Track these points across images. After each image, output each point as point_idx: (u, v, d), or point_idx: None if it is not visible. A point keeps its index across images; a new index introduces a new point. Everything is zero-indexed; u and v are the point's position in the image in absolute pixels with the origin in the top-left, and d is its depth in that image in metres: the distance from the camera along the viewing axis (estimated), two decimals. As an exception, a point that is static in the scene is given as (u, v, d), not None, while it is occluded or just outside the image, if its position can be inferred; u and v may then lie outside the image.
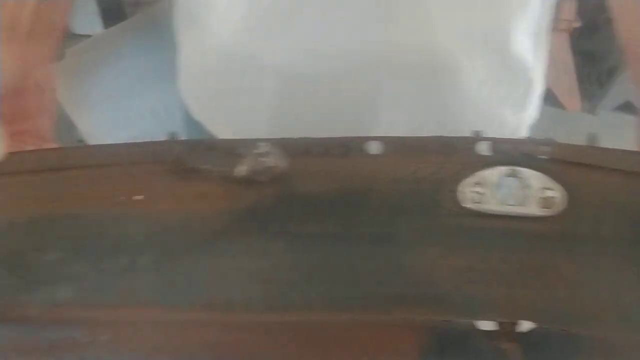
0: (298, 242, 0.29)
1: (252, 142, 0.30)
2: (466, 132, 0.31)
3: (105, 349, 0.28)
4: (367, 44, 0.43)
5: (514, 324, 0.27)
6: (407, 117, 0.47)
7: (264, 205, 0.29)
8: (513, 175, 0.29)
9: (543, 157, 0.29)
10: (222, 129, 0.51)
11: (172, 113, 0.48)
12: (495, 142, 0.30)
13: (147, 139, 0.32)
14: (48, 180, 0.32)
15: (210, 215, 0.30)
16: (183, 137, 0.33)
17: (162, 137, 0.33)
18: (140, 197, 0.30)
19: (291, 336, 0.28)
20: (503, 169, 0.29)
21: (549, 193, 0.29)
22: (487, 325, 0.27)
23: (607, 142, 0.30)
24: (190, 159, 0.30)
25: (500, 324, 0.27)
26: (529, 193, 0.29)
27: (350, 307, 0.28)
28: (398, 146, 0.30)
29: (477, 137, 0.30)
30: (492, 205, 0.29)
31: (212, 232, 0.29)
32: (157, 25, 0.42)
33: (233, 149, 0.30)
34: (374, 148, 0.30)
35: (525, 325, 0.27)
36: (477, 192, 0.29)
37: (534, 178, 0.29)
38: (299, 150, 0.30)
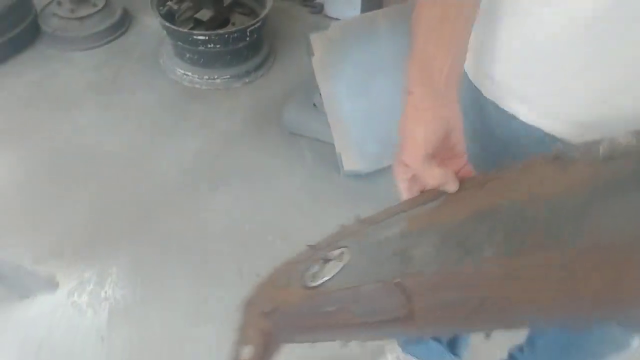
0: None
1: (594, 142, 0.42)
2: None
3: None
4: None
5: None
6: None
7: (624, 172, 0.39)
8: None
9: None
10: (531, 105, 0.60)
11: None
12: None
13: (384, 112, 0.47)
14: (484, 190, 0.49)
15: (585, 183, 0.41)
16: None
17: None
18: (540, 187, 0.44)
19: None
20: None
21: None
22: None
23: None
24: (564, 152, 0.44)
25: None
26: None
27: None
28: None
29: None
30: None
31: (591, 189, 0.40)
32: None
33: (592, 144, 0.42)
34: None
35: None
36: None
37: None
38: None
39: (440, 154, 0.54)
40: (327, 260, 0.55)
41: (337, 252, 0.55)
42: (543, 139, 0.59)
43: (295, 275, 0.57)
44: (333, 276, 0.52)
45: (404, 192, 0.58)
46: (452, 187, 0.52)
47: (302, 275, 0.55)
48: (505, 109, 0.62)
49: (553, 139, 0.58)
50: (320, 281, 0.53)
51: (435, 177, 0.52)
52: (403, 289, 0.46)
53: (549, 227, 0.40)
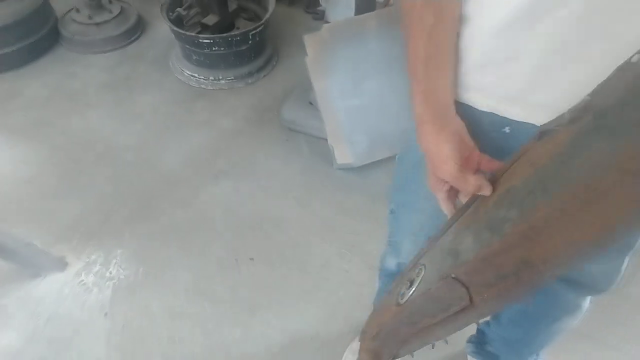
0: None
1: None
2: None
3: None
4: None
5: None
6: None
7: (586, 126, 0.47)
8: None
9: None
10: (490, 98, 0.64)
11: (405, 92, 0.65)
12: None
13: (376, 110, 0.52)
14: (501, 180, 0.58)
15: (563, 144, 0.48)
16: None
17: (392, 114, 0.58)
18: (536, 161, 0.51)
19: None
20: None
21: None
22: None
23: None
24: (545, 128, 0.53)
25: None
26: None
27: None
28: None
29: None
30: None
31: (566, 148, 0.48)
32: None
33: (560, 114, 0.52)
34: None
35: None
36: None
37: None
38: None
39: (462, 154, 0.62)
40: (410, 280, 0.66)
41: (416, 270, 0.66)
42: (501, 123, 0.64)
43: (391, 300, 0.69)
44: (414, 290, 0.64)
45: (443, 202, 0.67)
46: (487, 190, 0.58)
47: (395, 297, 0.68)
48: (463, 100, 0.65)
49: (510, 122, 0.64)
50: (407, 297, 0.64)
51: (472, 183, 0.59)
52: (459, 280, 0.55)
53: (545, 189, 0.48)
